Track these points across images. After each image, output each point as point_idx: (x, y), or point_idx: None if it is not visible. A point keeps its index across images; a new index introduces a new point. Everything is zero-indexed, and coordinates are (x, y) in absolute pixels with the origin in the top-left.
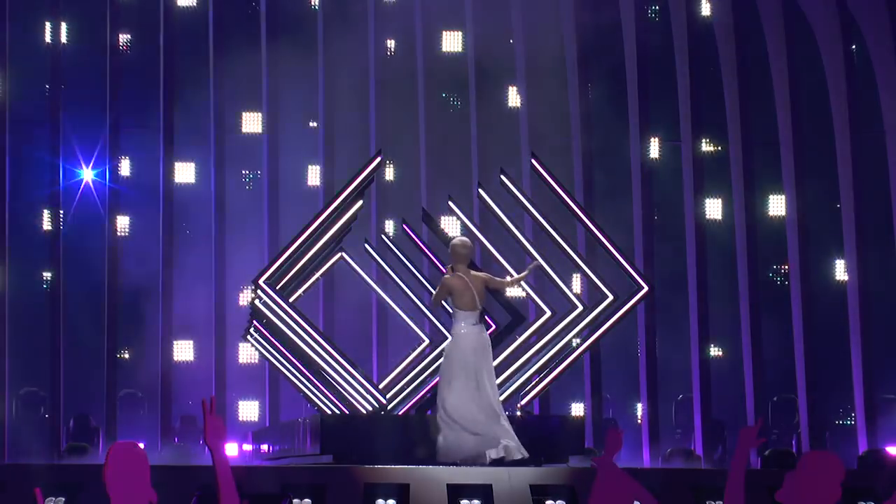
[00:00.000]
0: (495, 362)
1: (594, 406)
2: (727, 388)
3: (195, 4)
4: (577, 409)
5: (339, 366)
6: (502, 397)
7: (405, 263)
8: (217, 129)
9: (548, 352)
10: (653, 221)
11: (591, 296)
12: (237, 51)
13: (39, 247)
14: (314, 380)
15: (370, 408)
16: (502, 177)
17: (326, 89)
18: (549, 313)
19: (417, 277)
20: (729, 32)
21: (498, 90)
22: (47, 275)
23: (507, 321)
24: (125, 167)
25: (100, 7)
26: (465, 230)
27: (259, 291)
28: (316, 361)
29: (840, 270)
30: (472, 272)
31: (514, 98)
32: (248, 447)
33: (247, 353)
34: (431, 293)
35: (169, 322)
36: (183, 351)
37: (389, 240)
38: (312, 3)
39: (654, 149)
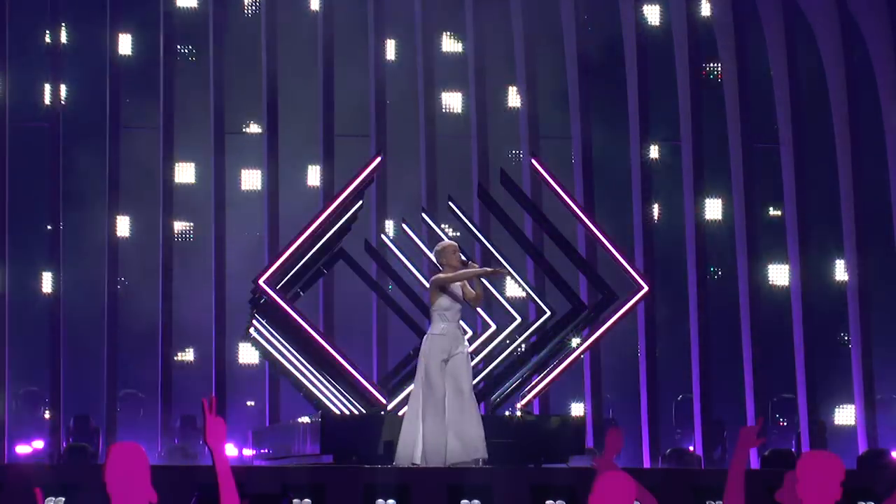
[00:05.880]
0: (497, 362)
1: (594, 406)
2: (727, 388)
3: (196, 5)
4: (577, 409)
5: (339, 366)
6: (502, 398)
7: (405, 263)
8: (217, 130)
9: (548, 352)
10: (653, 221)
11: (591, 296)
12: (237, 50)
13: (39, 246)
14: (314, 379)
15: (370, 408)
16: (502, 177)
17: (326, 89)
18: (549, 313)
19: (417, 277)
20: (729, 32)
21: (498, 90)
22: (47, 275)
23: (507, 321)
24: (124, 166)
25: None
26: (466, 230)
27: (259, 291)
28: (316, 361)
29: (840, 270)
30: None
31: (514, 98)
32: (248, 451)
33: (247, 353)
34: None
35: (169, 322)
36: (183, 351)
37: (389, 240)
38: (312, 5)
39: (654, 149)
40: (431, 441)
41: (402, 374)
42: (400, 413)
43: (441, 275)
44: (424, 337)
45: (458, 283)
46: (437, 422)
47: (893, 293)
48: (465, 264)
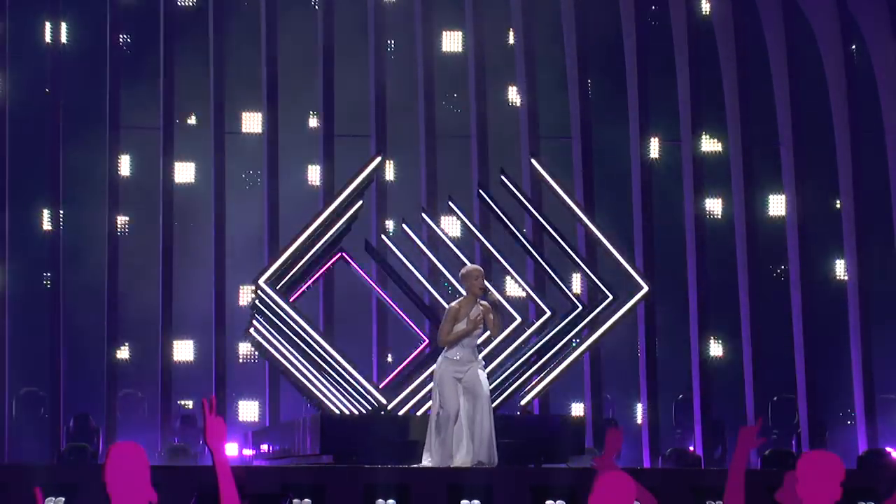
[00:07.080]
0: (496, 362)
1: (594, 406)
2: (727, 388)
3: (195, 3)
4: (577, 409)
5: (339, 366)
6: (502, 398)
7: (405, 263)
8: (216, 128)
9: (548, 352)
10: (653, 221)
11: (591, 296)
12: (237, 48)
13: (39, 246)
14: (314, 380)
15: (370, 408)
16: (502, 177)
17: (326, 89)
18: (549, 313)
19: (417, 277)
20: (729, 32)
21: (498, 90)
22: (47, 275)
23: (507, 321)
24: (125, 166)
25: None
26: (465, 230)
27: (259, 292)
28: (316, 362)
29: (840, 270)
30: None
31: (514, 98)
32: (248, 452)
33: (247, 352)
34: (431, 293)
35: (169, 321)
36: (183, 350)
37: (389, 240)
38: (313, 2)
39: (655, 149)
40: (440, 455)
41: (408, 373)
42: (401, 413)
43: (452, 309)
44: (439, 357)
45: (477, 311)
46: (445, 439)
47: (894, 293)
48: (484, 291)
